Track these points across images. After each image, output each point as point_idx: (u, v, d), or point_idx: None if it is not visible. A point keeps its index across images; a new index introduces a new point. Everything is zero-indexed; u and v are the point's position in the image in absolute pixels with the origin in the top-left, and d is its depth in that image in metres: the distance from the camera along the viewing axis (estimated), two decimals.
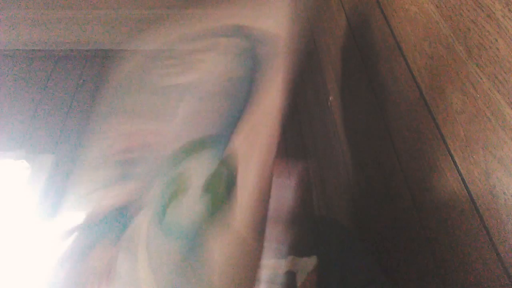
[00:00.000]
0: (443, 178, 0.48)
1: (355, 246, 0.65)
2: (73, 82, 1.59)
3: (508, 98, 0.36)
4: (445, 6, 0.47)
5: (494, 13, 0.38)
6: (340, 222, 0.71)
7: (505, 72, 0.37)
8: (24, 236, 1.11)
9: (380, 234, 0.71)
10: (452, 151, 0.46)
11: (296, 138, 1.47)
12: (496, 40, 0.38)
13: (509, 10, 0.36)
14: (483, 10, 0.40)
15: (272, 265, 0.60)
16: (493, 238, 0.39)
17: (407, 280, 0.60)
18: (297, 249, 0.61)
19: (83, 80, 1.60)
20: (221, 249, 0.36)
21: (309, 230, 0.68)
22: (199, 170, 0.38)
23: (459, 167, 0.45)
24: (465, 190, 0.44)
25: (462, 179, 0.44)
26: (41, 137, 1.40)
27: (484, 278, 0.41)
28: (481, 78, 0.40)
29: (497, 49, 0.38)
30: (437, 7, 0.49)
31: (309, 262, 0.60)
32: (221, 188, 0.38)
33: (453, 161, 0.46)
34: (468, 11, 0.42)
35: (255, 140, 0.38)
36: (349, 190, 0.89)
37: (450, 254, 0.47)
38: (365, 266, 0.62)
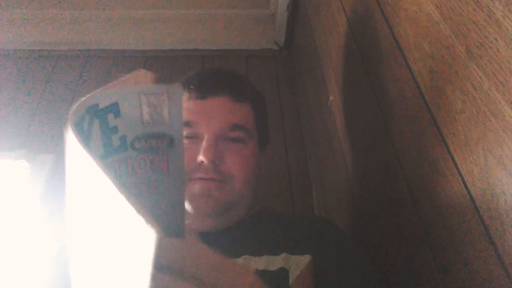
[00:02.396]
0: (443, 178, 0.48)
1: (350, 248, 0.65)
2: (73, 82, 1.59)
3: (508, 98, 0.36)
4: (445, 6, 0.47)
5: (494, 13, 0.38)
6: (336, 224, 0.71)
7: (505, 72, 0.37)
8: (24, 236, 1.11)
9: (379, 233, 0.71)
10: (452, 151, 0.46)
11: (296, 138, 1.47)
12: (496, 40, 0.38)
13: (509, 10, 0.36)
14: (483, 10, 0.40)
15: (264, 261, 0.59)
16: (493, 238, 0.39)
17: (407, 280, 0.60)
18: (290, 246, 0.61)
19: (83, 80, 1.60)
20: None
21: (304, 229, 0.67)
22: None
23: (459, 167, 0.45)
24: (465, 190, 0.44)
25: (462, 179, 0.44)
26: (41, 137, 1.40)
27: (484, 278, 0.41)
28: (481, 78, 0.40)
29: (497, 49, 0.38)
30: (437, 7, 0.49)
31: (302, 260, 0.59)
32: None
33: (453, 161, 0.46)
34: (468, 11, 0.42)
35: None
36: (349, 190, 0.89)
37: (450, 254, 0.47)
38: (359, 268, 0.61)
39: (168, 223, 0.36)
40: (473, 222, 0.42)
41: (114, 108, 0.31)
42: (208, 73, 0.76)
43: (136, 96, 0.31)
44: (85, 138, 0.30)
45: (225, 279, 0.32)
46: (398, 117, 0.61)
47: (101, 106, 0.31)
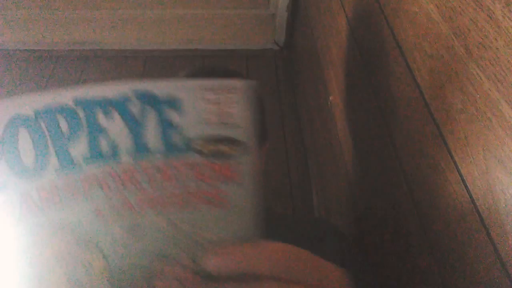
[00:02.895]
0: (443, 178, 0.48)
1: (350, 250, 0.65)
2: (73, 82, 1.59)
3: (508, 98, 0.36)
4: (445, 6, 0.47)
5: (494, 13, 0.38)
6: (336, 226, 0.71)
7: (505, 72, 0.37)
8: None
9: (379, 233, 0.71)
10: (452, 151, 0.46)
11: (296, 138, 1.47)
12: (496, 40, 0.38)
13: (509, 10, 0.36)
14: (483, 10, 0.40)
15: None
16: (493, 238, 0.39)
17: (406, 280, 0.60)
18: None
19: (83, 80, 1.60)
20: None
21: (304, 231, 0.67)
22: None
23: (459, 167, 0.45)
24: (465, 190, 0.44)
25: (462, 179, 0.44)
26: None
27: (484, 278, 0.41)
28: (481, 78, 0.40)
29: (497, 49, 0.38)
30: (437, 7, 0.49)
31: None
32: None
33: (453, 161, 0.46)
34: (468, 11, 0.42)
35: None
36: (349, 190, 0.89)
37: (450, 254, 0.47)
38: (359, 273, 0.61)
39: (239, 232, 0.34)
40: (473, 222, 0.42)
41: (176, 103, 0.27)
42: (199, 75, 0.74)
43: (201, 92, 0.27)
44: (130, 121, 0.27)
45: (317, 275, 0.31)
46: (398, 117, 0.61)
47: (160, 97, 0.27)
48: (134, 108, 0.27)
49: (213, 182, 0.31)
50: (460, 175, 0.45)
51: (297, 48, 1.59)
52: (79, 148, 0.28)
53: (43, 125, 0.27)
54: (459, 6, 0.44)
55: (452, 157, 0.46)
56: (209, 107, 0.27)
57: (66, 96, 0.26)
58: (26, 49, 1.69)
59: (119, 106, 0.26)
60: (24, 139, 0.27)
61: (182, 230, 0.33)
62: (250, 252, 0.30)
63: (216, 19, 1.82)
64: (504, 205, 0.38)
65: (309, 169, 1.38)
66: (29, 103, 0.26)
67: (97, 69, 1.65)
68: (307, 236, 0.66)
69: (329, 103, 1.03)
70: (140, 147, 0.28)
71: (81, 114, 0.26)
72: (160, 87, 0.27)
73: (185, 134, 0.28)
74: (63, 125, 0.27)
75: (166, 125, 0.28)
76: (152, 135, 0.28)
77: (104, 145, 0.28)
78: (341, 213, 0.98)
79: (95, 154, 0.28)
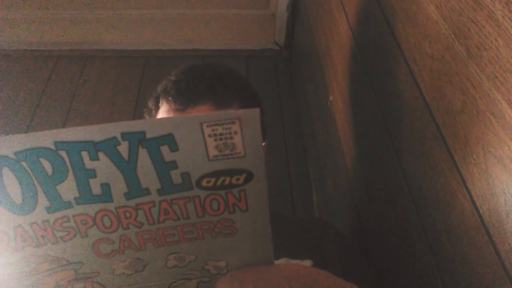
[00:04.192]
0: (443, 178, 0.48)
1: (351, 252, 0.65)
2: (73, 82, 1.59)
3: (508, 98, 0.36)
4: (445, 6, 0.47)
5: (494, 13, 0.38)
6: (336, 227, 0.71)
7: (505, 72, 0.37)
8: None
9: (379, 234, 0.71)
10: (452, 151, 0.46)
11: (296, 138, 1.47)
12: (496, 40, 0.38)
13: (509, 10, 0.36)
14: (483, 10, 0.40)
15: None
16: (493, 238, 0.39)
17: (406, 280, 0.60)
18: (290, 251, 0.60)
19: (83, 80, 1.60)
20: None
21: (305, 232, 0.67)
22: None
23: (459, 167, 0.45)
24: (465, 190, 0.44)
25: (462, 179, 0.44)
26: None
27: (484, 278, 0.41)
28: (481, 78, 0.40)
29: (497, 49, 0.38)
30: (437, 7, 0.49)
31: (303, 265, 0.59)
32: None
33: (453, 161, 0.46)
34: (468, 11, 0.42)
35: None
36: (349, 190, 0.89)
37: (450, 255, 0.47)
38: (360, 273, 0.61)
39: (252, 256, 0.34)
40: (473, 222, 0.42)
41: (168, 140, 0.26)
42: (187, 79, 0.70)
43: (197, 127, 0.26)
44: (120, 162, 0.27)
45: None
46: (398, 117, 0.61)
47: (149, 135, 0.26)
48: (122, 149, 0.26)
49: (217, 213, 0.30)
50: (460, 175, 0.45)
51: (297, 48, 1.59)
52: (67, 189, 0.27)
53: (25, 165, 0.26)
54: (459, 6, 0.44)
55: (452, 157, 0.46)
56: (209, 141, 0.27)
57: (46, 139, 0.25)
58: (26, 49, 1.68)
59: (105, 148, 0.26)
60: (8, 178, 0.26)
61: (191, 262, 0.33)
62: (266, 276, 0.29)
63: (216, 19, 1.82)
64: (504, 205, 0.38)
65: (309, 169, 1.38)
66: (9, 145, 0.25)
67: (97, 69, 1.65)
68: (307, 236, 0.65)
69: (329, 103, 1.03)
70: (133, 187, 0.28)
71: (64, 156, 0.26)
72: (150, 125, 0.26)
73: (182, 170, 0.28)
74: (47, 166, 0.26)
75: (160, 163, 0.27)
76: (145, 174, 0.27)
77: (94, 186, 0.27)
78: (341, 213, 0.98)
79: (86, 195, 0.28)
